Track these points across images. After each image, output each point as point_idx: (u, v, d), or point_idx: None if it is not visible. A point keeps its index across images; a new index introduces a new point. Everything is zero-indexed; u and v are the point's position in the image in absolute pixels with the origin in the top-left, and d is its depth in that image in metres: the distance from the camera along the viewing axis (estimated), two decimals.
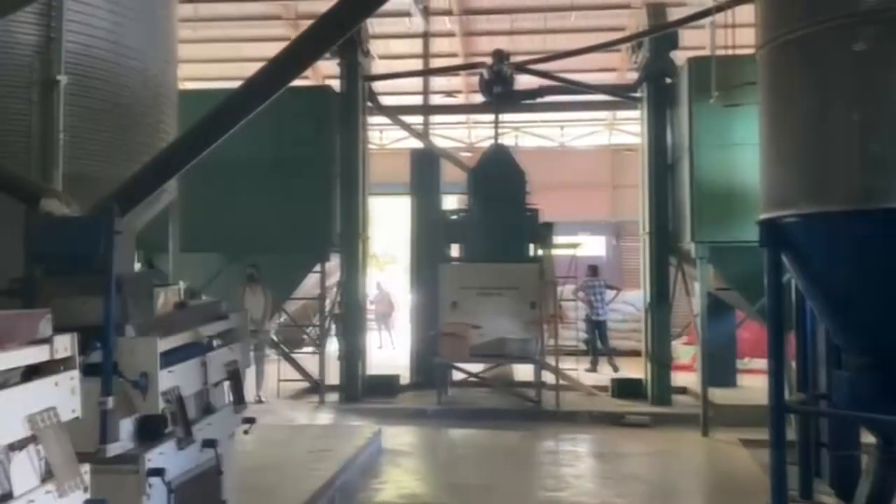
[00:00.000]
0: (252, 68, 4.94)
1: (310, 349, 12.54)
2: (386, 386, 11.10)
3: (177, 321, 4.01)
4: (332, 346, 11.26)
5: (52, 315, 2.80)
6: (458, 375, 11.18)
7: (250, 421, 4.72)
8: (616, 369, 12.77)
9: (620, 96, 11.79)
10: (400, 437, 8.78)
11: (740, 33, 8.50)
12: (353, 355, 10.61)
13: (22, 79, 5.25)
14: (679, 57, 10.44)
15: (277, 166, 10.33)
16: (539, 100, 12.02)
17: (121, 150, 5.75)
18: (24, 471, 2.55)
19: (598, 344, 13.58)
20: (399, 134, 19.67)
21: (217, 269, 10.63)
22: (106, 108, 5.71)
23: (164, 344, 3.69)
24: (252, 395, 10.35)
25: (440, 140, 23.09)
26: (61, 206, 3.64)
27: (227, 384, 4.49)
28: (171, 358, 3.79)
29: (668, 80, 10.35)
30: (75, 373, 2.83)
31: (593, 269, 13.75)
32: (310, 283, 11.21)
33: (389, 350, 18.06)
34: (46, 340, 2.74)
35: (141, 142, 5.96)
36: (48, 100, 5.29)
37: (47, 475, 2.63)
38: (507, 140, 23.87)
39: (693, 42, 11.47)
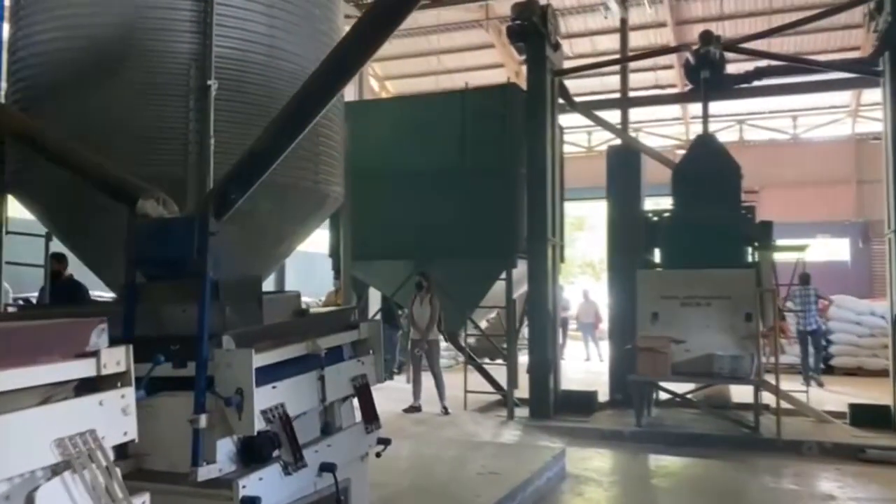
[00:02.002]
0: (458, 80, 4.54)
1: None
2: (581, 402, 10.29)
3: (291, 331, 3.66)
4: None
5: (106, 325, 2.50)
6: (664, 393, 10.10)
7: (385, 442, 4.28)
8: (820, 385, 11.27)
9: (856, 72, 10.00)
10: (589, 460, 7.95)
11: None
12: (541, 368, 9.94)
13: (179, 87, 5.30)
14: None
15: (461, 170, 10.00)
16: (756, 83, 10.57)
17: None
18: (56, 501, 2.26)
19: (809, 359, 12.03)
20: (607, 136, 18.75)
21: (406, 276, 10.52)
22: (259, 113, 5.62)
23: (267, 357, 3.33)
24: (438, 407, 10.14)
25: (654, 139, 21.74)
26: (157, 208, 3.43)
27: (355, 401, 4.08)
28: (278, 372, 3.43)
29: None
30: (129, 391, 2.50)
31: (804, 278, 12.15)
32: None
33: (596, 363, 17.12)
34: (94, 354, 2.44)
35: (297, 145, 5.81)
36: (203, 106, 5.30)
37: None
38: (730, 134, 21.94)
39: None
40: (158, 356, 2.81)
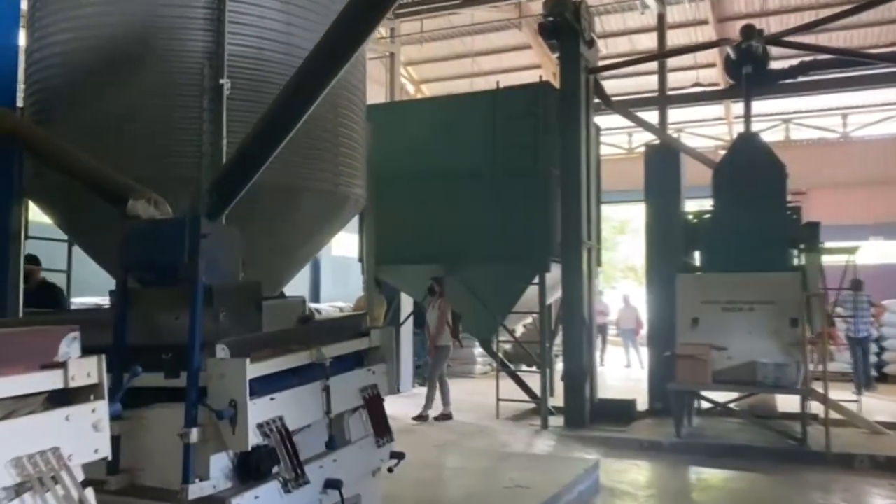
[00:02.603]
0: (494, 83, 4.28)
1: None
2: (619, 411, 9.92)
3: (293, 339, 3.45)
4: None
5: (78, 333, 2.31)
6: (706, 402, 9.68)
7: (398, 456, 4.04)
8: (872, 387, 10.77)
9: None
10: (625, 473, 7.61)
11: None
12: (576, 376, 9.61)
13: (193, 87, 5.16)
14: None
15: (493, 171, 9.74)
16: (801, 79, 10.11)
17: (290, 155, 5.46)
18: None
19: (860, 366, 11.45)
20: (648, 137, 18.31)
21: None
22: None
23: (264, 366, 3.13)
24: (439, 410, 10.12)
25: (696, 140, 21.18)
26: (148, 208, 3.26)
27: (364, 413, 3.86)
28: (278, 383, 3.22)
29: None
30: (101, 404, 2.30)
31: (856, 284, 11.49)
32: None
33: (637, 369, 16.66)
34: (62, 365, 2.26)
35: (314, 146, 5.65)
36: (217, 106, 5.16)
37: None
38: (776, 134, 21.26)
39: None
40: (136, 367, 2.62)
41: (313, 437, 3.51)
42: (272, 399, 3.14)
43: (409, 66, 20.82)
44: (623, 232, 30.70)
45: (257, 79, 5.34)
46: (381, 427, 3.87)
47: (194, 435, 2.91)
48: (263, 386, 3.12)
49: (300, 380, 3.36)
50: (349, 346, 3.75)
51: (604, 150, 26.61)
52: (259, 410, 3.05)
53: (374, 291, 10.84)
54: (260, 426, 3.06)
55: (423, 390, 13.21)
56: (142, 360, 2.86)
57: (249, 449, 2.97)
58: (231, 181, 3.48)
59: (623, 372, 16.52)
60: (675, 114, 21.74)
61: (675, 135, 17.80)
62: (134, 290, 3.20)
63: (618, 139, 22.98)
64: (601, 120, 26.37)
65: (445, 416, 10.21)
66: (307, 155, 5.56)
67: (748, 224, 9.19)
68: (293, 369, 3.36)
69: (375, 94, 17.64)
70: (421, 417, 10.09)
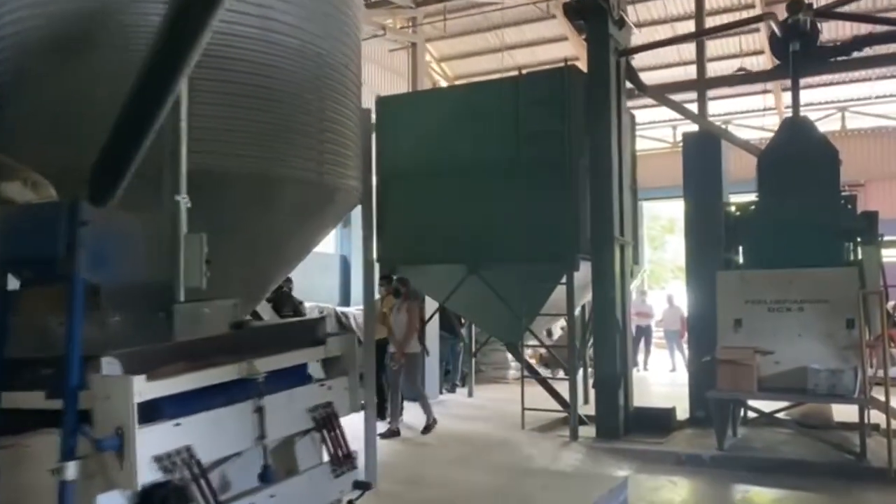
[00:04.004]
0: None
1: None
2: (657, 421, 9.11)
3: (220, 350, 2.86)
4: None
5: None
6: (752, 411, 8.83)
7: (363, 486, 3.41)
8: None
9: None
10: (659, 491, 6.86)
11: None
12: (609, 383, 8.86)
13: None
14: None
15: (516, 163, 9.06)
16: (856, 54, 9.16)
17: (264, 141, 4.92)
18: None
19: None
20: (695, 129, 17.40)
21: (459, 280, 9.65)
22: (252, 94, 4.92)
23: (167, 385, 2.55)
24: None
25: (746, 132, 20.09)
26: (24, 191, 2.72)
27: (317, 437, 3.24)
28: (189, 404, 2.64)
29: None
30: None
31: None
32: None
33: (683, 374, 15.71)
34: None
35: (292, 131, 5.09)
36: None
37: None
38: (832, 123, 20.06)
39: None
40: None
41: (247, 467, 2.91)
42: (177, 425, 2.55)
43: (442, 62, 20.24)
44: (672, 231, 29.59)
45: (226, 55, 4.79)
46: (339, 452, 3.25)
47: (71, 470, 2.35)
48: (167, 408, 2.54)
49: (225, 399, 2.76)
50: (296, 356, 3.14)
51: (648, 143, 25.59)
52: (158, 439, 2.47)
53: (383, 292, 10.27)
54: (160, 459, 2.47)
55: (455, 397, 12.60)
56: (25, 377, 2.31)
57: (138, 488, 2.38)
58: (115, 158, 2.91)
59: (668, 377, 15.61)
60: (723, 105, 20.74)
61: (722, 126, 16.81)
62: (14, 292, 2.66)
63: (662, 132, 22.02)
64: (644, 113, 25.40)
65: (393, 433, 9.17)
66: (285, 141, 5.01)
67: (797, 215, 8.33)
68: (217, 386, 2.77)
69: (400, 87, 17.09)
70: (391, 433, 9.13)
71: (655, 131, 21.94)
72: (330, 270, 17.88)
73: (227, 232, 4.96)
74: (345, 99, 5.60)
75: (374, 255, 10.41)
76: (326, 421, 3.20)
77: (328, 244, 19.21)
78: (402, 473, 7.13)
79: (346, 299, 17.43)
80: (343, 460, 3.27)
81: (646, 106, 21.30)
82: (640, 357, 17.60)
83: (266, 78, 4.94)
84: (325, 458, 3.28)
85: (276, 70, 5.00)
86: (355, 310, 14.43)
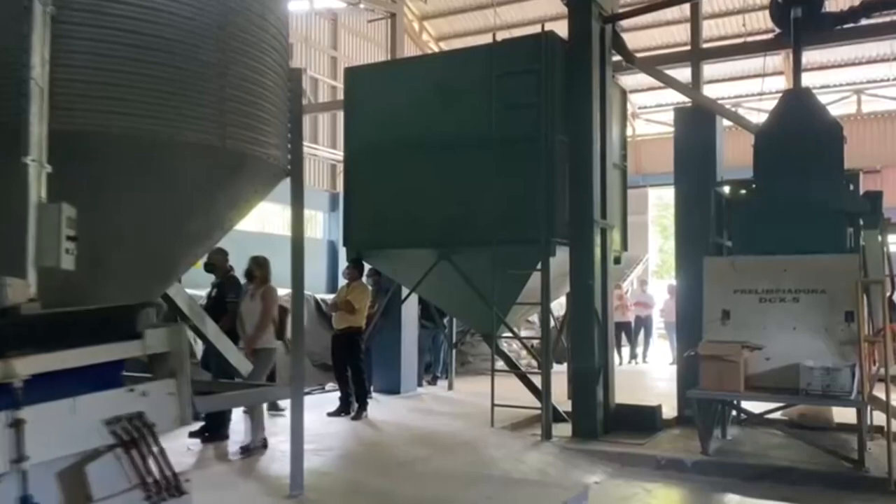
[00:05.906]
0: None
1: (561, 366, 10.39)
2: (640, 419, 8.40)
3: None
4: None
5: None
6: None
7: None
8: None
9: None
10: (630, 501, 6.15)
11: None
12: (585, 378, 8.14)
13: (13, 7, 4.00)
14: None
15: (488, 139, 8.32)
16: (864, 22, 8.34)
17: (149, 97, 4.25)
18: None
19: None
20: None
21: (429, 265, 8.96)
22: (134, 43, 4.24)
23: None
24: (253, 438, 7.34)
25: (759, 116, 19.21)
26: None
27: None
28: None
29: None
30: None
31: None
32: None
33: None
34: None
35: (191, 87, 4.41)
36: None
37: None
38: (846, 106, 19.14)
39: None
40: None
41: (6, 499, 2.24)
42: None
43: (424, 20, 19.45)
44: None
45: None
46: (152, 478, 2.57)
47: None
48: None
49: None
50: (90, 354, 2.46)
51: (653, 128, 24.61)
52: None
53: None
54: None
55: (435, 389, 11.94)
56: None
57: None
58: None
59: (668, 370, 14.84)
60: (734, 87, 19.83)
61: (732, 110, 15.93)
62: None
63: (668, 116, 21.12)
64: (649, 97, 24.41)
65: (260, 447, 7.33)
66: (177, 98, 4.33)
67: (793, 196, 7.55)
68: None
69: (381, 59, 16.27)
70: (246, 450, 7.24)
71: (661, 115, 21.10)
72: (317, 256, 17.26)
73: (109, 204, 4.32)
74: (260, 54, 4.91)
75: (340, 239, 9.80)
76: (136, 438, 2.52)
77: (316, 229, 18.57)
78: (336, 481, 6.45)
79: (333, 286, 16.80)
80: (160, 487, 2.58)
81: (652, 88, 20.46)
82: (640, 349, 16.89)
83: (154, 24, 4.26)
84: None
85: (169, 16, 4.32)
86: None
